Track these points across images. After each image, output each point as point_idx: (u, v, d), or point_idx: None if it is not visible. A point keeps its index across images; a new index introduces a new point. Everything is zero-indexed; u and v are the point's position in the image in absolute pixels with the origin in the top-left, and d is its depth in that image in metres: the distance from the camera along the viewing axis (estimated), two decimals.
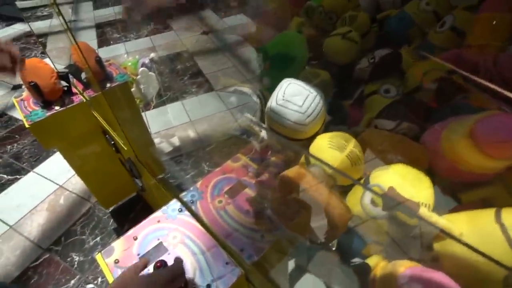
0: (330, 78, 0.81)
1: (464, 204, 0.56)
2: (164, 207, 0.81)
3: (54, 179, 1.93)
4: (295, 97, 0.57)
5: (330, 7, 0.97)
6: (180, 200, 0.82)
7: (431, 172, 0.58)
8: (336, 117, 0.70)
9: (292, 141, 0.61)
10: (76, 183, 1.90)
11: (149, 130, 1.63)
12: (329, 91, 0.80)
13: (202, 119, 2.28)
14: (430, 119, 0.64)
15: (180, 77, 2.67)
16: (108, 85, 1.33)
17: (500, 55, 0.66)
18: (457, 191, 0.56)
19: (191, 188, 0.84)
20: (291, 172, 0.54)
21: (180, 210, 0.79)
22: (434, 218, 0.41)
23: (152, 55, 1.24)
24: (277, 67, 0.77)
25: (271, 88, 0.81)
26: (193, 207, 0.80)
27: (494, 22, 0.72)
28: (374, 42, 0.98)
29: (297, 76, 0.81)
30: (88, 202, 1.79)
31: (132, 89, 1.18)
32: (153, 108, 2.28)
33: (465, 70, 0.71)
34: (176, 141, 1.86)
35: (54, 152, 2.10)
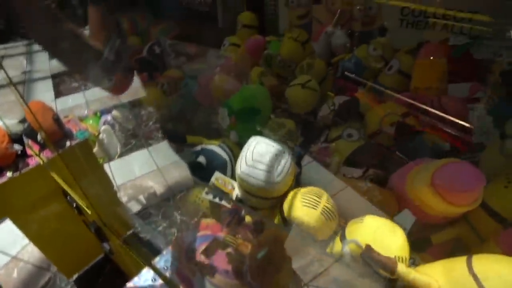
0: (295, 127, 0.83)
1: (436, 246, 0.58)
2: (135, 279, 0.75)
3: (5, 249, 1.72)
4: (264, 156, 0.57)
5: (288, 56, 1.03)
6: (153, 268, 0.76)
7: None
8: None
9: (265, 199, 0.60)
10: (32, 252, 1.71)
11: (114, 184, 1.54)
12: (295, 139, 0.82)
13: (170, 165, 2.21)
14: (393, 162, 0.67)
15: (145, 122, 2.61)
16: (68, 143, 1.26)
17: (443, 97, 0.73)
18: (428, 233, 0.58)
19: (164, 252, 0.79)
20: (268, 235, 0.53)
21: (154, 280, 0.73)
22: (412, 275, 0.41)
23: (114, 112, 1.20)
24: (243, 121, 0.78)
25: (239, 142, 0.82)
26: (167, 274, 0.74)
27: (431, 68, 0.80)
28: (331, 86, 1.05)
29: (263, 127, 0.83)
30: (47, 272, 1.61)
31: (94, 149, 1.12)
32: (117, 158, 2.18)
33: (417, 112, 0.77)
34: (143, 192, 1.77)
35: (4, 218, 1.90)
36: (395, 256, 0.45)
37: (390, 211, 0.59)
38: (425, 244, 0.57)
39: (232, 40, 1.31)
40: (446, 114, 0.70)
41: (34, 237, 1.32)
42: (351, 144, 0.76)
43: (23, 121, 1.44)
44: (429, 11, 1.02)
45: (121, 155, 2.17)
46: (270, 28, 1.42)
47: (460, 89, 0.86)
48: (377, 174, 0.64)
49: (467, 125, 0.68)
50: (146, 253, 0.91)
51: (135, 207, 1.61)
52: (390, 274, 0.42)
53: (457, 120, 0.70)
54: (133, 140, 2.49)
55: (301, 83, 0.84)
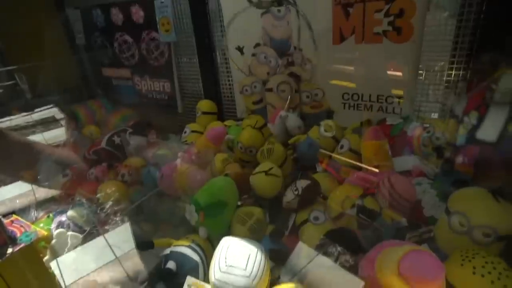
0: (263, 214, 0.84)
1: None
2: None
3: None
4: (238, 260, 0.57)
5: (248, 143, 1.09)
6: None
7: None
8: (278, 259, 0.71)
9: None
10: None
11: (62, 285, 1.35)
12: (265, 227, 0.83)
13: (130, 252, 2.02)
14: (360, 245, 0.70)
15: (100, 206, 2.43)
16: (10, 250, 1.11)
17: (392, 177, 0.81)
18: None
19: None
20: None
21: None
22: None
23: (70, 212, 1.12)
24: (212, 216, 0.77)
25: (210, 237, 0.80)
26: None
27: (377, 149, 0.91)
28: (292, 167, 1.11)
29: (232, 219, 0.83)
30: None
31: (45, 258, 1.00)
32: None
33: (371, 191, 0.84)
34: None
35: None
36: None
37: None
38: None
39: (193, 127, 1.38)
40: (397, 192, 0.77)
41: None
42: (319, 227, 0.79)
43: None
44: (365, 95, 1.19)
45: (69, 249, 1.95)
46: (228, 113, 1.53)
47: (403, 162, 0.97)
48: (347, 260, 0.65)
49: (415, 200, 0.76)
50: None
51: None
52: None
53: (407, 197, 0.77)
54: (86, 228, 2.27)
55: (265, 171, 0.89)
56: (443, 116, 1.10)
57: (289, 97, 1.29)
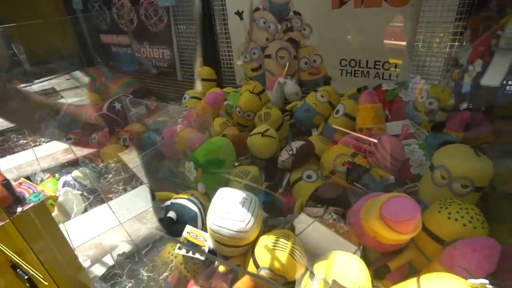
0: (259, 173, 0.89)
1: (394, 271, 0.64)
2: None
3: None
4: (232, 206, 0.61)
5: (246, 108, 1.11)
6: None
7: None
8: (272, 211, 0.76)
9: (237, 248, 0.63)
10: None
11: (71, 248, 1.43)
12: (260, 184, 0.88)
13: (133, 219, 2.10)
14: (348, 198, 0.75)
15: (103, 176, 2.50)
16: (19, 209, 1.17)
17: (382, 136, 0.84)
18: (386, 260, 0.64)
19: None
20: (242, 285, 0.55)
21: None
22: None
23: (75, 172, 1.17)
24: (209, 173, 0.82)
25: (207, 192, 0.85)
26: None
27: (371, 111, 0.93)
28: (288, 131, 1.14)
29: (229, 176, 0.87)
30: None
31: (54, 213, 1.07)
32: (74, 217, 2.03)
33: (363, 150, 0.88)
34: (105, 252, 1.65)
35: None
36: (359, 287, 0.50)
37: (353, 243, 0.65)
38: (384, 271, 0.63)
39: (192, 93, 1.39)
40: (386, 150, 0.81)
41: None
42: (311, 185, 0.83)
43: None
44: (363, 61, 1.20)
45: (77, 213, 2.04)
46: (227, 80, 1.54)
47: (395, 126, 1.00)
48: (337, 211, 0.70)
49: (403, 158, 0.80)
50: None
51: (98, 269, 1.49)
52: None
53: (396, 155, 0.81)
54: (91, 195, 2.36)
55: (261, 132, 0.92)
56: (440, 82, 1.11)
57: (287, 63, 1.30)
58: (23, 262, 1.08)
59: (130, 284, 1.61)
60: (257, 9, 1.31)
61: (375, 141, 0.85)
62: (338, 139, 1.00)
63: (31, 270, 1.07)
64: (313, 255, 0.62)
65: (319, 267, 0.57)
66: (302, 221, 0.73)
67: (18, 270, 1.16)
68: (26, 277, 1.13)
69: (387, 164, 0.82)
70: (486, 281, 0.44)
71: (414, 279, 0.50)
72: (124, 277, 1.67)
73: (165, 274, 0.87)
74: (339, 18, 1.16)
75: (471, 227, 0.55)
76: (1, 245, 1.12)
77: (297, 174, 0.88)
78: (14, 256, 1.10)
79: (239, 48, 1.42)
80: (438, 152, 0.69)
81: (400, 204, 0.54)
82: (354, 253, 0.62)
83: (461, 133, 0.92)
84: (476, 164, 0.62)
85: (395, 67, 1.15)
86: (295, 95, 1.28)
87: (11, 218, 1.15)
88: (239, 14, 1.35)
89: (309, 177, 0.86)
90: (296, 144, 0.90)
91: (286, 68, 1.29)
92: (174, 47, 1.62)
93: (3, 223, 1.15)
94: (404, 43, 1.10)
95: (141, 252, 1.73)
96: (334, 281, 0.50)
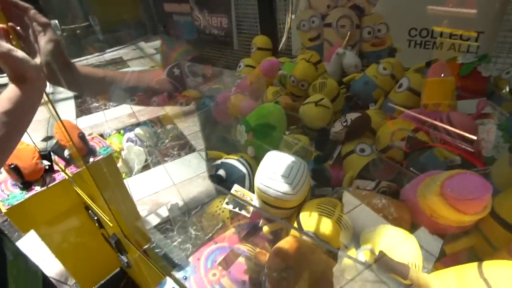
0: (309, 142, 0.87)
1: (449, 256, 0.59)
2: None
3: None
4: (281, 169, 0.61)
5: (301, 76, 1.08)
6: (173, 278, 0.79)
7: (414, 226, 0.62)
8: (320, 180, 0.75)
9: (282, 209, 0.64)
10: (52, 265, 1.76)
11: (132, 199, 1.60)
12: (310, 154, 0.86)
13: (185, 182, 2.27)
14: (404, 175, 0.70)
15: (161, 140, 2.71)
16: (92, 159, 1.33)
17: (452, 113, 0.76)
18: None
19: (183, 264, 0.82)
20: (285, 242, 0.56)
21: None
22: (425, 279, 0.44)
23: (137, 129, 1.28)
24: (259, 137, 0.82)
25: (256, 157, 0.86)
26: (186, 284, 0.77)
27: (440, 85, 0.84)
28: (344, 104, 1.09)
29: (279, 143, 0.87)
30: (66, 286, 1.65)
31: (118, 164, 1.19)
32: (135, 175, 2.26)
33: (427, 127, 0.80)
34: (160, 207, 1.82)
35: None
36: (408, 263, 0.47)
37: (404, 222, 0.61)
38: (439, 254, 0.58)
39: (247, 61, 1.39)
40: (454, 127, 0.72)
41: (55, 249, 1.38)
42: (364, 159, 0.79)
43: (46, 139, 1.54)
44: (436, 31, 1.07)
45: (138, 171, 2.25)
46: (283, 50, 1.50)
47: (469, 105, 0.89)
48: (390, 186, 0.66)
49: (475, 138, 0.71)
50: (165, 265, 0.94)
51: (153, 221, 1.65)
52: (403, 279, 0.44)
53: (466, 134, 0.72)
54: (151, 157, 2.57)
55: (314, 101, 0.89)
56: None
57: (348, 33, 1.22)
58: (94, 205, 1.24)
59: (180, 239, 1.76)
60: None
61: (442, 118, 0.77)
62: (399, 113, 0.93)
63: (100, 212, 1.22)
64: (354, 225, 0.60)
65: (366, 238, 0.55)
66: (350, 202, 0.71)
67: (90, 211, 1.35)
68: (95, 218, 1.30)
69: (454, 143, 0.74)
70: None
71: (475, 264, 0.46)
72: (175, 232, 1.83)
73: (210, 235, 0.93)
74: None
75: None
76: (78, 188, 1.30)
77: (350, 147, 0.84)
78: (87, 199, 1.27)
79: (298, 15, 1.36)
80: None
81: (467, 181, 0.49)
82: None
83: None
84: None
85: (476, 39, 1.00)
86: (354, 67, 1.20)
87: (86, 165, 1.32)
88: None
89: (362, 150, 0.82)
90: (351, 116, 0.86)
91: (347, 38, 1.20)
92: (232, 15, 1.62)
93: (79, 169, 1.33)
94: (489, 10, 0.95)
95: (191, 212, 1.87)
96: (381, 252, 0.48)
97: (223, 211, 0.73)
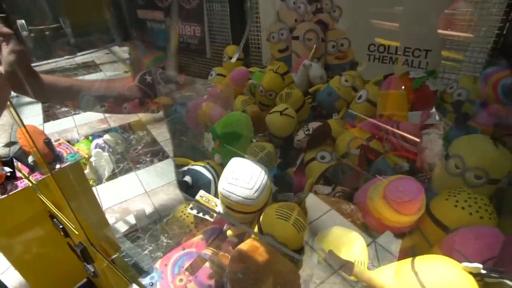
0: (274, 150, 0.91)
1: (399, 253, 0.65)
2: None
3: None
4: (243, 175, 0.65)
5: (269, 87, 1.13)
6: (139, 284, 0.79)
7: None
8: (282, 186, 0.79)
9: (244, 214, 0.67)
10: (11, 277, 1.68)
11: (101, 207, 1.56)
12: (274, 161, 0.91)
13: (157, 189, 2.23)
14: (358, 180, 0.76)
15: (133, 147, 2.66)
16: (58, 166, 1.30)
17: (401, 123, 0.83)
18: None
19: (149, 270, 0.82)
20: (245, 245, 0.59)
21: None
22: (367, 274, 0.49)
23: (106, 136, 1.27)
24: (226, 144, 0.86)
25: (223, 163, 0.89)
26: None
27: (393, 98, 0.92)
28: (309, 113, 1.15)
29: (245, 151, 0.91)
30: None
31: (86, 171, 1.17)
32: (105, 182, 2.19)
33: (380, 136, 0.88)
34: (130, 215, 1.79)
35: None
36: (354, 260, 0.52)
37: (355, 223, 0.67)
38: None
39: (219, 70, 1.43)
40: (403, 137, 0.80)
41: (16, 261, 1.32)
42: (324, 165, 0.85)
43: (8, 144, 1.49)
44: (392, 47, 1.16)
45: (109, 178, 2.19)
46: (253, 60, 1.55)
47: (417, 116, 0.97)
48: (344, 191, 0.72)
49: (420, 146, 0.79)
50: (133, 273, 0.94)
51: (122, 229, 1.62)
52: (348, 274, 0.49)
53: (411, 144, 0.80)
54: (122, 164, 2.51)
55: (280, 111, 0.94)
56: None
57: (314, 46, 1.29)
58: (59, 213, 1.21)
59: (151, 248, 1.74)
60: None
61: (393, 128, 0.85)
62: (358, 122, 1.00)
63: (66, 221, 1.19)
64: (317, 229, 0.65)
65: (319, 240, 0.60)
66: (312, 206, 0.75)
67: (54, 219, 1.31)
68: (61, 226, 1.27)
69: (402, 151, 0.81)
70: (480, 266, 0.45)
71: (409, 259, 0.52)
72: (146, 241, 1.80)
73: (177, 241, 0.94)
74: (372, 0, 1.12)
75: (478, 216, 0.55)
76: (42, 196, 1.26)
77: (311, 154, 0.89)
78: (52, 207, 1.23)
79: (267, 28, 1.42)
80: (455, 141, 0.68)
81: (404, 185, 0.54)
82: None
83: (490, 128, 0.88)
84: (493, 155, 0.60)
85: (425, 55, 1.10)
86: (319, 78, 1.28)
87: (52, 172, 1.28)
88: None
89: (322, 158, 0.88)
90: (313, 125, 0.91)
91: (313, 50, 1.28)
92: (205, 25, 1.65)
93: (44, 176, 1.29)
94: (439, 31, 1.05)
95: (162, 220, 1.86)
96: (330, 251, 0.52)
97: (187, 216, 0.75)
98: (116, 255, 1.06)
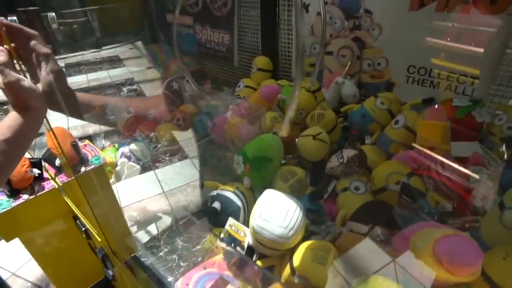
0: (305, 176, 0.88)
1: None
2: None
3: (5, 266, 1.73)
4: (278, 211, 0.62)
5: (300, 106, 1.09)
6: None
7: None
8: (315, 219, 0.75)
9: (276, 251, 0.64)
10: (33, 270, 1.72)
11: (123, 213, 1.57)
12: (305, 188, 0.87)
13: (175, 189, 2.24)
14: (397, 221, 0.71)
15: (153, 145, 2.68)
16: (83, 169, 1.31)
17: (445, 160, 0.78)
18: None
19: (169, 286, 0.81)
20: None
21: None
22: None
23: (132, 145, 1.26)
24: (257, 169, 0.83)
25: (252, 186, 0.86)
26: None
27: (435, 130, 0.86)
28: (340, 134, 1.10)
29: (275, 174, 0.88)
30: None
31: (110, 181, 1.17)
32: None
33: (421, 171, 0.82)
34: (148, 216, 1.80)
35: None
36: None
37: None
38: None
39: (247, 82, 1.40)
40: (448, 176, 0.74)
41: (37, 254, 1.35)
42: (358, 197, 0.81)
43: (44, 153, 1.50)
44: (434, 71, 1.10)
45: (127, 176, 2.21)
46: (283, 72, 1.51)
47: (462, 148, 0.91)
48: (382, 232, 0.67)
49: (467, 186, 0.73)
50: (147, 279, 0.94)
51: (144, 239, 1.62)
52: None
53: (459, 181, 0.74)
54: (140, 161, 2.51)
55: (313, 135, 0.90)
56: None
57: (349, 63, 1.24)
58: (82, 216, 1.22)
59: (166, 250, 1.74)
60: (325, 3, 1.25)
61: (436, 163, 0.79)
62: (394, 152, 0.95)
63: (88, 224, 1.20)
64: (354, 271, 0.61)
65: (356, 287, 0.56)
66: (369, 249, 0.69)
67: (77, 221, 1.32)
68: (83, 229, 1.28)
69: (446, 191, 0.76)
70: None
71: None
72: (162, 242, 1.79)
73: (198, 246, 0.93)
74: (415, 20, 1.06)
75: None
76: (67, 197, 1.27)
77: (345, 183, 0.85)
78: (75, 209, 1.25)
79: (303, 43, 1.38)
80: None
81: (459, 245, 0.50)
82: None
83: None
84: None
85: (472, 83, 1.03)
86: (352, 97, 1.23)
87: (76, 176, 1.29)
88: (305, 6, 1.30)
89: (356, 188, 0.83)
90: (348, 153, 0.87)
91: (347, 67, 1.23)
92: (234, 32, 1.62)
93: (69, 179, 1.30)
94: (489, 55, 0.98)
95: (179, 222, 1.85)
96: None
97: (216, 247, 0.73)
98: (131, 256, 1.06)
